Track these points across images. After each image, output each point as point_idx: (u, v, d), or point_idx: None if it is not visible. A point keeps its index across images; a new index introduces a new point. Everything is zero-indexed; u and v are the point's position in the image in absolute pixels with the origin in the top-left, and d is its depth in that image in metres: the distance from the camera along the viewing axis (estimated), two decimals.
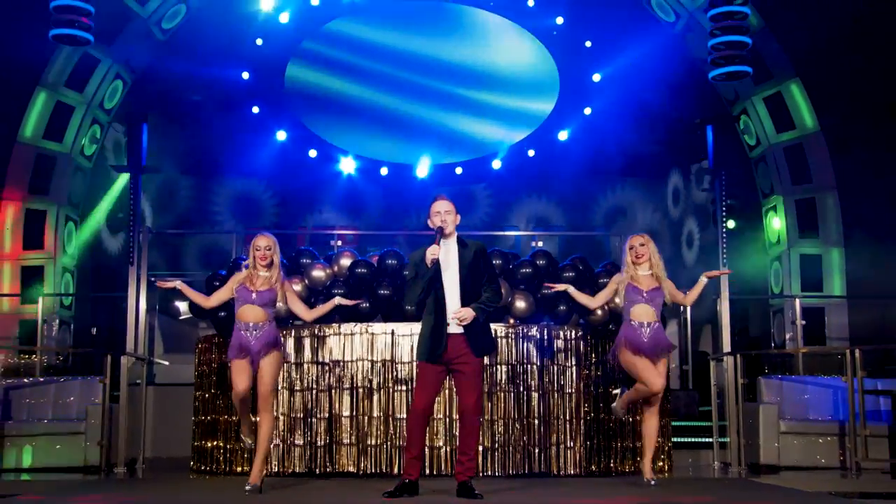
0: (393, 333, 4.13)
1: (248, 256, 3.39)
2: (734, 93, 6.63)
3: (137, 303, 4.94)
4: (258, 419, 3.36)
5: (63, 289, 6.25)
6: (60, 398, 4.61)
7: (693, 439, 5.09)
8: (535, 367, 4.15)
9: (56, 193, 6.29)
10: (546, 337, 4.18)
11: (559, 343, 4.18)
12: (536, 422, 4.11)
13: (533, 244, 5.36)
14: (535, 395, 4.13)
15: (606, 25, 6.99)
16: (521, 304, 4.51)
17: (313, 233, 7.06)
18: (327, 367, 4.13)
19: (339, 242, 5.53)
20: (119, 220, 6.73)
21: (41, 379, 4.80)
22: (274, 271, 3.36)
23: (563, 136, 7.42)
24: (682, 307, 5.38)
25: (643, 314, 3.49)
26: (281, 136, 7.38)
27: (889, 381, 4.61)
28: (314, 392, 4.12)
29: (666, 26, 6.81)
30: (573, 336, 4.21)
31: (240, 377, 3.30)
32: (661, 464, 4.33)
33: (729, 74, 5.31)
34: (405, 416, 3.92)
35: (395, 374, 4.10)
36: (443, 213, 3.20)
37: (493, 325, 4.15)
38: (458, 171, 7.53)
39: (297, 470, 4.07)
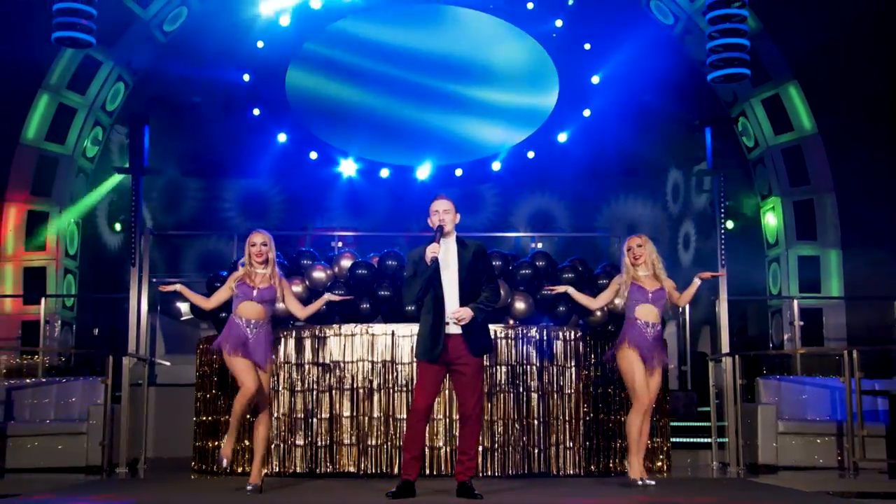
0: (393, 334, 4.15)
1: (244, 254, 3.40)
2: (732, 95, 6.66)
3: (139, 304, 4.96)
4: (257, 421, 3.37)
5: (65, 290, 6.28)
6: (62, 399, 4.64)
7: (692, 440, 5.11)
8: (534, 367, 4.17)
9: (58, 195, 6.33)
10: (546, 338, 4.20)
11: (559, 344, 4.20)
12: (536, 422, 4.13)
13: (532, 245, 5.39)
14: (534, 395, 4.15)
15: (605, 28, 7.02)
16: (520, 305, 4.53)
17: (314, 234, 7.08)
18: (328, 368, 4.15)
19: (340, 244, 5.56)
20: (121, 221, 6.75)
21: (43, 379, 4.83)
22: (270, 268, 3.36)
23: (562, 137, 7.45)
24: (679, 308, 5.42)
25: (648, 314, 3.50)
26: (281, 138, 7.41)
27: (886, 382, 4.63)
28: (315, 393, 4.14)
29: (665, 28, 6.84)
30: (573, 337, 4.23)
31: (249, 376, 3.28)
32: (659, 464, 4.35)
33: (727, 76, 5.34)
34: (405, 416, 3.94)
35: (395, 374, 4.13)
36: (441, 212, 3.21)
37: (492, 326, 4.20)
38: (459, 172, 7.55)
39: (298, 470, 4.09)
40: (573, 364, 4.19)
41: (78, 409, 4.58)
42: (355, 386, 4.13)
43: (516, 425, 4.11)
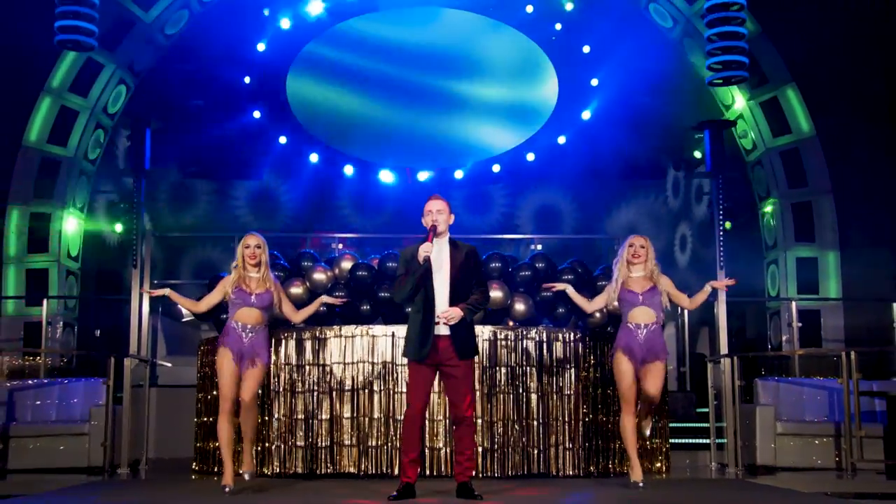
0: (393, 336, 4.18)
1: (237, 256, 3.40)
2: (731, 97, 6.69)
3: (140, 305, 4.99)
4: (241, 419, 3.37)
5: (67, 291, 6.30)
6: (64, 400, 4.65)
7: (690, 440, 5.12)
8: (534, 369, 4.19)
9: (60, 197, 6.36)
10: (545, 339, 4.22)
11: (558, 345, 4.22)
12: (535, 423, 4.15)
13: (532, 247, 5.42)
14: (534, 396, 4.16)
15: (604, 31, 7.05)
16: (520, 306, 4.56)
17: (314, 236, 7.10)
18: (328, 369, 4.17)
19: (341, 246, 5.59)
20: (122, 223, 6.78)
21: (45, 380, 4.83)
22: (263, 271, 3.38)
23: (561, 140, 7.48)
24: (679, 309, 5.43)
25: (641, 315, 3.51)
26: (282, 140, 7.44)
27: (884, 383, 4.65)
28: (315, 394, 4.16)
29: (663, 32, 6.88)
30: (572, 338, 4.25)
31: (229, 381, 3.32)
32: (658, 465, 4.37)
33: (726, 79, 5.36)
34: None
35: (395, 375, 4.15)
36: (435, 212, 3.21)
37: (492, 328, 4.24)
38: (459, 174, 7.58)
39: (299, 471, 4.11)
40: (572, 365, 4.21)
41: (80, 410, 4.60)
42: (356, 387, 4.15)
43: (516, 426, 4.13)
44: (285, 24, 7.23)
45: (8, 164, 6.22)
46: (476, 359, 4.13)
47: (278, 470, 4.12)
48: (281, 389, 4.17)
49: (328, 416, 4.14)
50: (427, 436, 4.07)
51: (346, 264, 4.66)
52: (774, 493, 3.58)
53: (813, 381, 4.75)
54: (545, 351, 4.21)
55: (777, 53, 6.33)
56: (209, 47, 6.81)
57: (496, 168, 7.57)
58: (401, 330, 4.16)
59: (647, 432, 3.61)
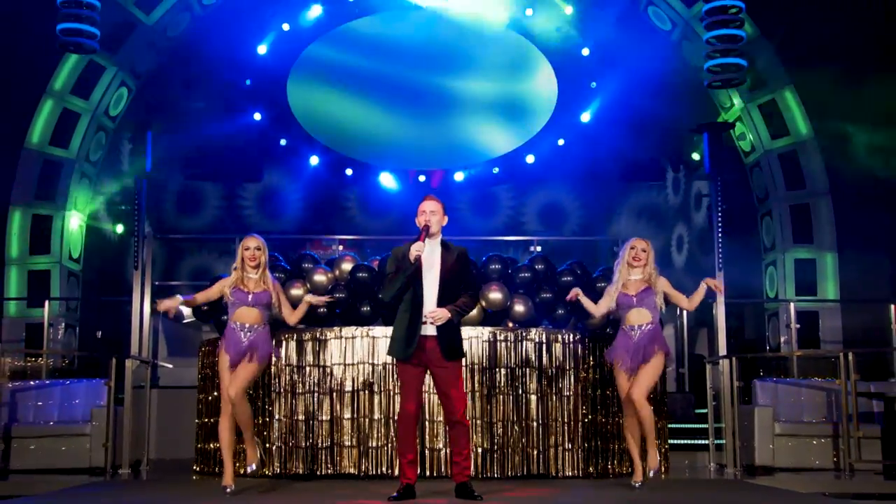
0: (391, 334, 4.19)
1: (237, 257, 3.43)
2: (729, 100, 6.73)
3: (142, 307, 5.00)
4: (234, 412, 3.37)
5: (69, 293, 6.32)
6: (66, 400, 4.66)
7: (689, 441, 5.13)
8: (533, 370, 4.20)
9: (62, 199, 6.38)
10: (545, 341, 4.24)
11: (557, 347, 4.24)
12: (535, 424, 4.17)
13: (531, 249, 5.44)
14: (533, 397, 4.18)
15: (604, 34, 7.08)
16: (520, 308, 4.58)
17: (315, 238, 7.12)
18: (329, 370, 4.19)
19: (341, 247, 5.61)
20: (124, 224, 6.80)
21: (47, 381, 4.84)
22: (261, 272, 3.40)
23: (561, 142, 7.52)
24: (678, 310, 5.45)
25: (635, 317, 3.53)
26: (282, 142, 7.47)
27: (882, 384, 4.66)
28: (316, 395, 4.18)
29: (663, 34, 6.91)
30: (571, 340, 4.27)
31: (227, 383, 3.37)
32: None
33: (724, 82, 5.40)
34: None
35: (395, 376, 4.16)
36: (428, 212, 3.21)
37: (492, 329, 4.26)
38: (459, 176, 7.61)
39: (299, 471, 4.12)
40: (572, 367, 4.23)
41: (81, 410, 4.61)
42: (356, 388, 4.17)
43: (515, 427, 4.15)
44: (286, 27, 7.26)
45: (10, 165, 6.25)
46: (476, 360, 4.19)
47: (279, 471, 4.13)
48: (281, 390, 4.19)
49: (328, 417, 4.16)
50: (427, 436, 4.09)
51: (347, 266, 4.68)
52: (773, 493, 3.60)
53: (811, 382, 4.76)
54: (545, 352, 4.23)
55: (775, 56, 6.37)
56: (210, 50, 6.85)
57: (496, 170, 7.60)
58: None
59: (651, 473, 3.48)
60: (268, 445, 4.15)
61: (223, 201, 7.62)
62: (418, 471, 3.37)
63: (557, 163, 7.43)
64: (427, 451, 4.08)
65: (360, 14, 7.36)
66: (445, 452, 4.08)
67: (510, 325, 4.53)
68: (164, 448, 5.10)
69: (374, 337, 4.22)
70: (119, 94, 6.68)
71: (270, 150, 7.46)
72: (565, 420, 4.19)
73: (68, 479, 4.13)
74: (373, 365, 4.18)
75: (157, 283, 5.61)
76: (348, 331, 4.24)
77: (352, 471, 4.11)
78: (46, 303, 5.82)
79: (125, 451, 4.47)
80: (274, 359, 3.57)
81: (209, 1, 6.78)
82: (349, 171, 7.56)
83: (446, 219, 3.28)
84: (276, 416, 4.18)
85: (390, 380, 4.17)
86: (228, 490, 3.36)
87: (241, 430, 3.42)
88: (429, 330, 3.18)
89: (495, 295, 4.53)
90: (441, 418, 4.08)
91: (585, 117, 7.43)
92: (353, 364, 4.19)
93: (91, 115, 6.49)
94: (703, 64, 5.40)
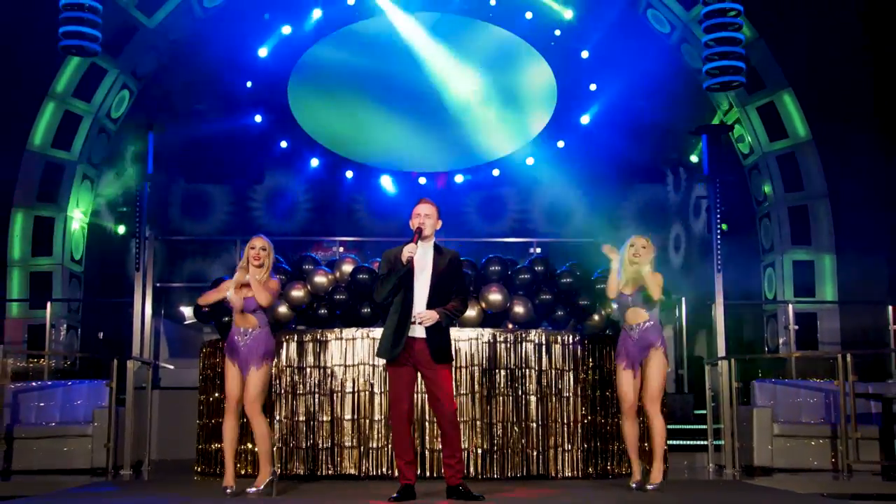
0: (381, 335, 4.21)
1: (243, 256, 3.46)
2: (728, 102, 6.75)
3: (143, 308, 5.03)
4: (251, 425, 3.43)
5: (71, 294, 6.34)
6: (68, 401, 4.68)
7: (688, 442, 5.15)
8: (533, 371, 4.22)
9: (64, 200, 6.41)
10: (544, 342, 4.26)
11: (557, 348, 4.26)
12: (534, 425, 4.18)
13: (531, 250, 5.47)
14: (533, 398, 4.20)
15: (603, 36, 7.12)
16: (519, 309, 4.60)
17: (316, 240, 7.15)
18: (329, 371, 4.21)
19: (341, 249, 5.64)
20: (126, 225, 6.83)
21: (49, 382, 4.86)
22: (264, 273, 3.43)
23: (560, 144, 7.55)
24: (676, 312, 5.47)
25: (632, 317, 3.55)
26: (283, 145, 7.50)
27: (880, 385, 4.68)
28: (316, 396, 4.20)
29: (661, 37, 6.94)
30: (571, 341, 4.29)
31: (230, 384, 3.42)
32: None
33: (723, 84, 5.42)
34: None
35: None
36: (423, 215, 3.23)
37: (492, 330, 4.28)
38: (459, 179, 7.63)
39: (300, 472, 4.14)
40: (571, 368, 4.25)
41: (83, 411, 4.63)
42: (356, 389, 4.19)
43: (515, 428, 4.17)
44: (286, 29, 7.30)
45: (12, 167, 6.28)
46: (475, 361, 4.22)
47: (280, 471, 4.15)
48: (282, 391, 4.21)
49: (329, 418, 4.18)
50: (427, 437, 4.11)
51: (347, 267, 4.71)
52: (771, 494, 3.62)
53: (809, 384, 4.78)
54: (544, 353, 4.25)
55: (773, 59, 6.40)
56: (211, 53, 6.88)
57: (496, 172, 7.63)
58: None
59: (650, 487, 3.42)
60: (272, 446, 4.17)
61: (224, 203, 7.65)
62: (418, 471, 3.40)
63: (557, 165, 7.46)
64: (427, 452, 4.09)
65: (360, 17, 7.40)
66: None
67: (510, 326, 4.55)
68: (165, 449, 5.12)
69: (374, 338, 4.22)
70: (121, 96, 6.71)
71: (271, 152, 7.49)
72: (565, 421, 4.21)
73: (70, 479, 4.15)
74: (373, 366, 4.19)
75: (158, 284, 5.63)
76: (349, 332, 4.26)
77: (352, 471, 4.13)
78: (48, 304, 5.86)
79: (127, 452, 4.49)
80: (275, 359, 3.56)
81: (210, 4, 6.82)
82: (349, 174, 7.59)
83: (440, 222, 3.29)
84: (277, 417, 4.20)
85: (388, 380, 4.18)
86: (229, 490, 3.38)
87: (259, 449, 3.41)
88: (417, 332, 3.19)
89: (495, 296, 4.55)
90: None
91: (585, 119, 7.46)
92: (353, 365, 4.21)
93: (93, 118, 6.53)
94: (702, 66, 5.43)
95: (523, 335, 4.27)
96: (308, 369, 4.24)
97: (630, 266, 3.56)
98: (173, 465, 4.88)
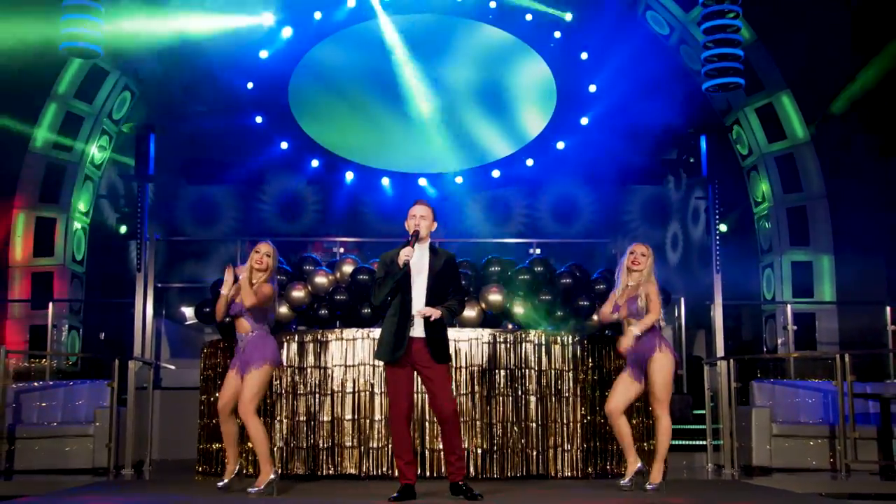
0: (379, 337, 4.23)
1: (247, 261, 3.50)
2: (727, 103, 6.78)
3: (144, 309, 5.05)
4: (247, 429, 3.45)
5: (72, 295, 6.36)
6: (69, 401, 4.70)
7: (687, 442, 5.16)
8: (532, 371, 4.24)
9: (65, 201, 6.44)
10: (544, 342, 4.28)
11: (556, 348, 4.28)
12: (534, 425, 4.20)
13: (530, 251, 5.49)
14: (532, 398, 4.22)
15: (602, 38, 7.15)
16: (519, 309, 4.62)
17: (316, 240, 7.17)
18: (330, 372, 4.23)
19: (342, 250, 5.66)
20: (127, 226, 6.85)
21: (51, 383, 4.88)
22: (265, 276, 3.45)
23: (560, 145, 7.57)
24: (676, 312, 5.49)
25: (627, 326, 3.56)
26: (284, 146, 7.53)
27: (878, 385, 4.69)
28: (317, 396, 4.22)
29: (660, 38, 6.97)
30: (570, 341, 4.31)
31: (223, 387, 3.46)
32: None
33: (722, 86, 5.44)
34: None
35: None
36: (418, 216, 3.25)
37: (491, 330, 4.30)
38: (459, 180, 7.66)
39: (300, 472, 4.16)
40: (571, 368, 4.27)
41: (84, 411, 4.65)
42: (357, 389, 4.21)
43: (515, 428, 4.19)
44: (287, 31, 7.33)
45: (14, 169, 6.31)
46: (475, 361, 4.24)
47: (280, 471, 4.17)
48: (283, 392, 4.24)
49: (329, 418, 4.20)
50: (427, 437, 4.13)
51: (348, 268, 4.73)
52: (770, 493, 3.63)
53: (808, 384, 4.79)
54: (544, 354, 4.27)
55: (772, 60, 6.42)
56: (212, 55, 6.91)
57: (496, 174, 7.65)
58: None
59: (649, 487, 3.41)
60: (269, 446, 4.19)
61: (223, 204, 7.67)
62: (418, 471, 3.41)
63: (557, 166, 7.48)
64: (427, 452, 4.11)
65: (361, 19, 7.42)
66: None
67: (510, 326, 4.57)
68: (166, 449, 5.14)
69: (374, 339, 4.25)
70: (122, 97, 6.74)
71: (272, 153, 7.52)
72: (564, 421, 4.23)
73: (72, 479, 4.17)
74: (373, 366, 4.22)
75: (159, 284, 5.66)
76: (349, 332, 4.29)
77: (352, 471, 4.15)
78: (50, 304, 5.88)
79: (128, 452, 4.51)
80: (276, 364, 3.55)
81: (212, 6, 6.85)
82: (349, 175, 7.61)
83: (436, 224, 3.31)
84: (278, 417, 4.22)
85: (386, 380, 4.20)
86: (219, 486, 3.44)
87: (256, 450, 3.43)
88: (416, 332, 3.21)
89: (495, 297, 4.57)
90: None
91: (584, 121, 7.48)
92: (353, 365, 4.23)
93: (94, 119, 6.55)
94: (701, 67, 5.45)
95: (523, 336, 4.29)
96: (308, 369, 4.26)
97: (629, 273, 3.58)
98: (174, 464, 4.90)
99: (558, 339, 4.30)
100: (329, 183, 7.60)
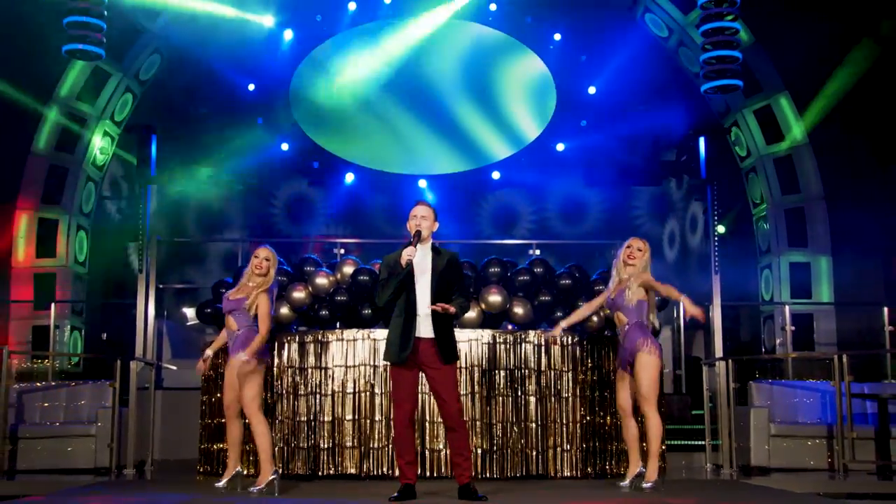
0: (386, 339, 4.26)
1: (248, 265, 3.54)
2: (725, 105, 6.81)
3: (146, 309, 5.07)
4: (251, 427, 3.49)
5: (74, 296, 6.39)
6: (72, 402, 4.73)
7: (686, 442, 5.19)
8: (532, 371, 4.27)
9: (68, 203, 6.46)
10: (543, 343, 4.30)
11: (556, 348, 4.30)
12: (534, 425, 4.22)
13: (530, 252, 5.52)
14: (532, 399, 4.24)
15: (602, 40, 7.18)
16: (519, 310, 4.64)
17: (317, 241, 7.20)
18: (330, 372, 4.25)
19: (342, 251, 5.70)
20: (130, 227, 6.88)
21: (53, 383, 4.90)
22: (262, 281, 3.47)
23: (560, 147, 7.60)
24: (675, 313, 5.51)
25: (617, 320, 3.60)
26: (285, 147, 7.56)
27: (875, 385, 4.71)
28: (318, 396, 4.25)
29: (659, 41, 7.01)
30: (570, 342, 4.33)
31: (224, 389, 3.50)
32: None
33: (720, 88, 5.46)
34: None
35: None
36: (419, 217, 3.26)
37: (491, 331, 4.33)
38: (458, 182, 7.69)
39: (301, 472, 4.19)
40: (570, 368, 4.29)
41: (87, 411, 4.67)
42: (357, 389, 4.23)
43: (514, 428, 4.21)
44: (288, 34, 7.36)
45: (17, 170, 6.35)
46: (475, 362, 4.26)
47: (281, 471, 4.19)
48: (284, 392, 4.26)
49: (330, 419, 4.22)
50: (427, 437, 4.15)
51: (348, 269, 4.76)
52: (768, 493, 3.65)
53: (806, 384, 4.81)
54: (543, 354, 4.29)
55: (770, 63, 6.46)
56: (214, 56, 6.94)
57: (496, 175, 7.68)
58: None
59: (646, 486, 3.43)
60: (273, 446, 4.20)
61: (224, 205, 7.69)
62: (418, 471, 3.41)
63: (556, 168, 7.51)
64: (427, 452, 4.14)
65: (362, 21, 7.46)
66: (445, 453, 4.14)
67: (509, 327, 4.60)
68: (168, 449, 5.16)
69: (375, 339, 4.28)
70: (124, 99, 6.77)
71: (273, 154, 7.55)
72: (564, 421, 4.25)
73: (74, 479, 4.19)
74: (374, 367, 4.24)
75: (161, 286, 5.68)
76: (349, 333, 4.31)
77: (353, 471, 4.17)
78: (52, 305, 5.90)
79: (130, 452, 4.53)
80: (266, 362, 3.57)
81: (213, 8, 6.87)
82: (350, 176, 7.64)
83: (437, 224, 3.32)
84: (279, 417, 4.24)
85: (391, 381, 4.23)
86: (217, 485, 3.48)
87: (258, 449, 3.46)
88: (423, 332, 3.22)
89: (495, 297, 4.59)
90: (440, 419, 4.14)
91: (584, 123, 7.52)
92: (354, 366, 4.25)
93: (97, 121, 6.58)
94: (700, 70, 5.48)
95: (522, 336, 4.31)
96: (309, 370, 4.28)
97: (624, 267, 3.59)
98: (176, 465, 4.92)
99: (557, 339, 4.31)
100: (329, 184, 7.63)
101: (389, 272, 3.25)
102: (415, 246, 3.22)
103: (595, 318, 4.54)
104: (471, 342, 4.26)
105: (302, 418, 4.23)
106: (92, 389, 4.75)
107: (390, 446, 4.16)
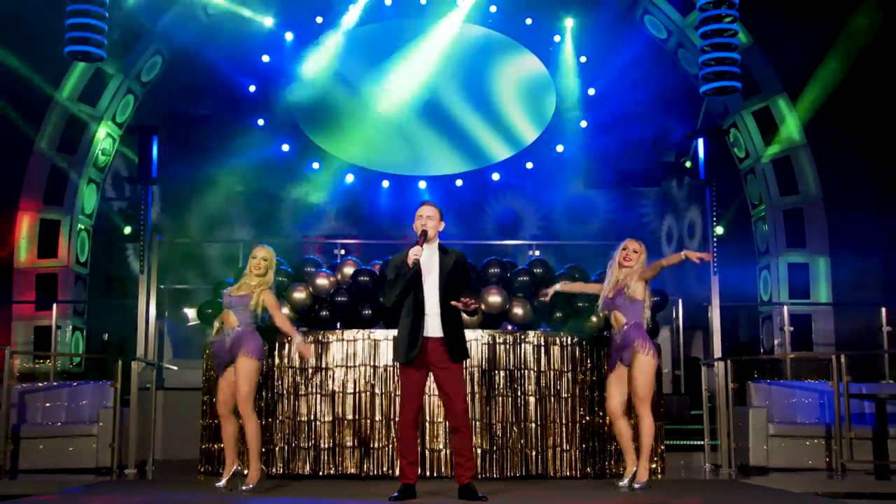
0: (395, 339, 4.28)
1: (247, 265, 3.55)
2: (724, 107, 6.84)
3: (147, 310, 5.09)
4: (244, 426, 3.50)
5: (76, 296, 6.40)
6: (73, 402, 4.74)
7: (685, 442, 5.21)
8: (532, 372, 4.29)
9: (69, 204, 6.49)
10: (543, 343, 4.32)
11: (555, 349, 4.32)
12: (533, 425, 4.24)
13: (530, 253, 5.55)
14: (532, 399, 4.26)
15: (601, 42, 7.21)
16: (518, 310, 4.66)
17: (317, 241, 7.22)
18: (331, 372, 4.28)
19: (343, 251, 5.72)
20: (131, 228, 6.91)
21: (55, 383, 4.92)
22: (260, 281, 3.49)
23: (559, 148, 7.63)
24: (674, 313, 5.53)
25: (613, 320, 3.61)
26: (285, 148, 7.58)
27: (873, 385, 4.73)
28: (318, 396, 4.27)
29: (658, 42, 7.04)
30: (569, 342, 4.36)
31: (220, 390, 3.50)
32: (653, 466, 4.45)
33: (719, 89, 5.48)
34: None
35: (396, 378, 4.24)
36: (425, 217, 3.28)
37: (491, 332, 4.35)
38: (459, 182, 7.71)
39: (301, 472, 4.20)
40: (570, 368, 4.32)
41: (88, 411, 4.69)
42: (357, 390, 4.25)
43: (514, 428, 4.23)
44: (289, 35, 7.38)
45: (19, 171, 6.36)
46: (475, 362, 4.28)
47: (282, 471, 4.21)
48: (284, 392, 4.28)
49: (330, 419, 4.24)
50: (427, 437, 4.17)
51: (349, 269, 4.78)
52: (767, 493, 3.67)
53: (804, 384, 4.83)
54: (543, 355, 4.31)
55: (768, 64, 6.48)
56: (214, 58, 6.97)
57: (496, 176, 7.71)
58: None
59: (637, 486, 3.45)
60: (270, 446, 4.23)
61: (226, 205, 7.71)
62: (419, 471, 3.43)
63: (556, 169, 7.53)
64: (427, 452, 4.16)
65: (362, 22, 7.48)
66: (446, 453, 4.16)
67: (509, 327, 4.62)
68: (169, 448, 5.17)
69: (375, 339, 4.30)
70: (126, 100, 6.79)
71: (273, 155, 7.57)
72: (563, 421, 4.27)
73: (75, 479, 4.21)
74: (374, 367, 4.26)
75: (162, 286, 5.70)
76: (350, 333, 4.33)
77: (353, 471, 4.19)
78: (54, 306, 5.91)
79: (131, 452, 4.56)
80: (265, 359, 3.60)
81: (214, 10, 6.91)
82: (350, 178, 7.67)
83: (443, 224, 3.34)
84: (279, 417, 4.26)
85: (391, 382, 4.25)
86: (218, 485, 3.50)
87: (248, 448, 3.48)
88: (431, 332, 3.23)
89: (494, 298, 4.62)
90: (441, 419, 4.16)
91: (584, 124, 7.54)
92: (354, 366, 4.27)
93: (98, 122, 6.61)
94: (698, 71, 5.50)
95: (522, 337, 4.33)
96: (310, 370, 4.30)
97: (620, 268, 3.60)
98: (177, 464, 4.94)
99: (557, 340, 4.33)
100: (330, 185, 7.66)
101: (397, 272, 3.26)
102: (421, 246, 3.23)
103: (595, 319, 4.56)
104: (470, 342, 4.27)
105: (302, 418, 4.25)
106: (93, 389, 4.77)
107: (391, 446, 4.17)
